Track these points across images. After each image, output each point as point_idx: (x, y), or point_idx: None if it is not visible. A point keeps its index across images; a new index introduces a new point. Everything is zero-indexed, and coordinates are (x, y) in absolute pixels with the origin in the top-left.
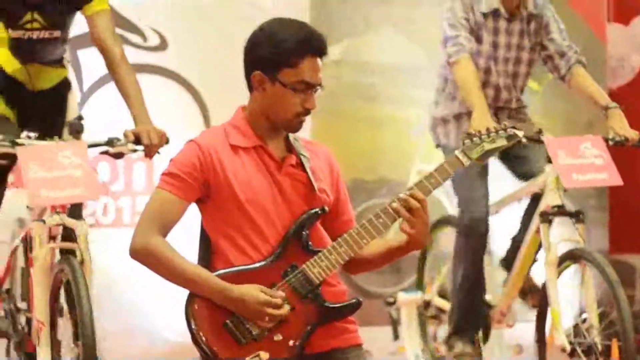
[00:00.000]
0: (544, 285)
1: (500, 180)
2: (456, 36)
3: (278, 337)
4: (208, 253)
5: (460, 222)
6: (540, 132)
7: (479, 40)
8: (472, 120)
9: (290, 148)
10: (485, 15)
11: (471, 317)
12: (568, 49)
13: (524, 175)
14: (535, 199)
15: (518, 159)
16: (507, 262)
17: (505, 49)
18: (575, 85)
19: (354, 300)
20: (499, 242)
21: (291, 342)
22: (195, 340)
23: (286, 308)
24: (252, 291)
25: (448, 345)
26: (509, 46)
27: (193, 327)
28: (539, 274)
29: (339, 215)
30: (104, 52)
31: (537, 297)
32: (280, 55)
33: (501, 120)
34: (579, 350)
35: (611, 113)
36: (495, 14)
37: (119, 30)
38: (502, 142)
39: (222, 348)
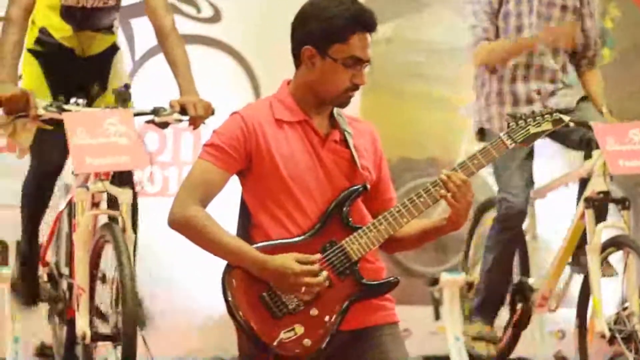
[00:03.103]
0: (587, 272)
1: (551, 161)
2: (474, 27)
3: (314, 312)
4: (247, 226)
5: (498, 211)
6: (584, 98)
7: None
8: None
9: (334, 124)
10: None
11: (494, 302)
12: (598, 47)
13: (578, 143)
14: (584, 183)
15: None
16: None
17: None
18: (585, 82)
19: (391, 279)
20: (544, 225)
21: (327, 318)
22: (230, 311)
23: (324, 275)
24: (288, 262)
25: (469, 320)
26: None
27: (229, 298)
28: None
29: (380, 195)
30: (155, 21)
31: None
32: (331, 31)
33: (543, 97)
34: (618, 337)
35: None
36: None
37: (173, 1)
38: (547, 126)
39: (258, 320)
